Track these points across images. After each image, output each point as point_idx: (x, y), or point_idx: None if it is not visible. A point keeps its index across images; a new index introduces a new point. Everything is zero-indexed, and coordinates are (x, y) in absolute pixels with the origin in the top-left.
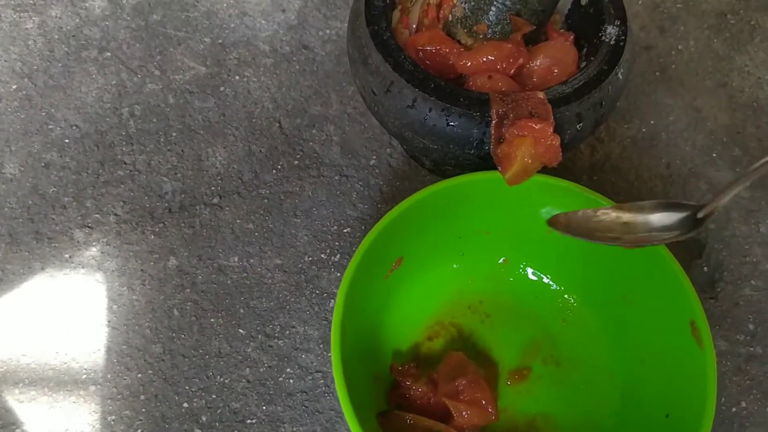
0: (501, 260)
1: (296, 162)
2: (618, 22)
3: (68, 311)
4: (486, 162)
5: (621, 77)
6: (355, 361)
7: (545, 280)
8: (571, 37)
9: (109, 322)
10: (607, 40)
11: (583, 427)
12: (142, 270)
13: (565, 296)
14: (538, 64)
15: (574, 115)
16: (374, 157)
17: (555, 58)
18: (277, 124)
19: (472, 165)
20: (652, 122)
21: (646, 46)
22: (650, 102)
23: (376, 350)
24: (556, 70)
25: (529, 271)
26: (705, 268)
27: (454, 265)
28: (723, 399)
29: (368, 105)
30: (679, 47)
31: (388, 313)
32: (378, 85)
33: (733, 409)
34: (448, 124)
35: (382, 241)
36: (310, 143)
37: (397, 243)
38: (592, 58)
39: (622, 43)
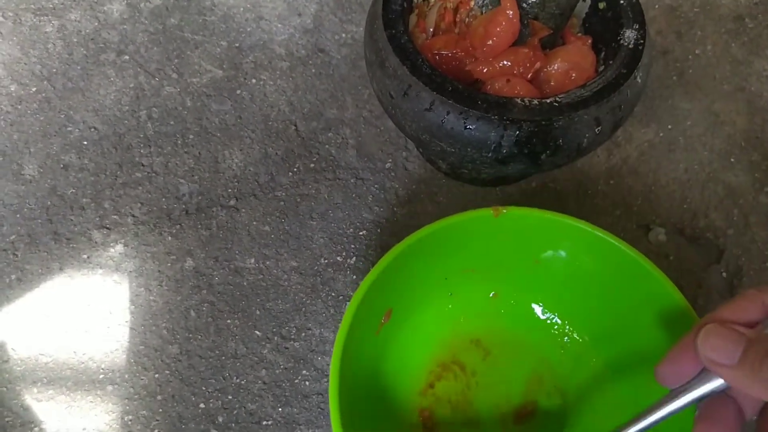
0: (491, 294)
1: (312, 165)
2: (636, 26)
3: (86, 311)
4: (504, 165)
5: (640, 81)
6: (357, 417)
7: (537, 310)
8: (589, 40)
9: (126, 322)
10: (626, 43)
11: None
12: (159, 271)
13: (560, 323)
14: (555, 68)
15: (593, 119)
16: (390, 160)
17: (573, 62)
18: (293, 127)
19: (489, 168)
20: (669, 127)
21: (663, 50)
22: (668, 106)
23: (379, 405)
24: (573, 75)
25: (522, 302)
26: (723, 274)
27: (449, 306)
28: None
29: (385, 108)
30: (697, 51)
31: (386, 367)
32: (395, 89)
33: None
34: (465, 127)
35: (369, 297)
36: (326, 146)
37: (385, 295)
38: (611, 62)
39: (640, 47)
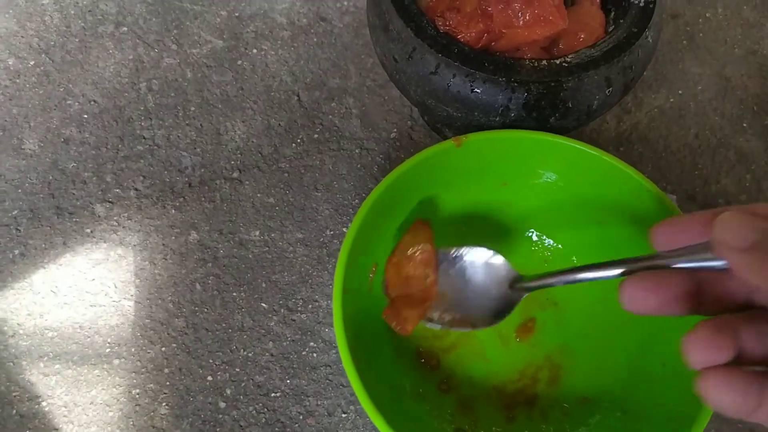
0: (466, 227)
1: (316, 135)
2: None
3: (91, 286)
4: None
5: (651, 40)
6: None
7: (514, 229)
8: (598, 0)
9: (131, 296)
10: (636, 2)
11: (599, 346)
12: (163, 244)
13: (538, 237)
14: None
15: (603, 79)
16: (395, 129)
17: (582, 23)
18: (296, 98)
19: None
20: (680, 92)
21: (673, 14)
22: (678, 71)
23: (385, 352)
24: (582, 36)
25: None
26: None
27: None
28: None
29: (389, 73)
30: (707, 15)
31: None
32: (400, 52)
33: None
34: (472, 91)
35: (354, 254)
36: (330, 116)
37: (367, 252)
38: (621, 21)
39: (651, 5)
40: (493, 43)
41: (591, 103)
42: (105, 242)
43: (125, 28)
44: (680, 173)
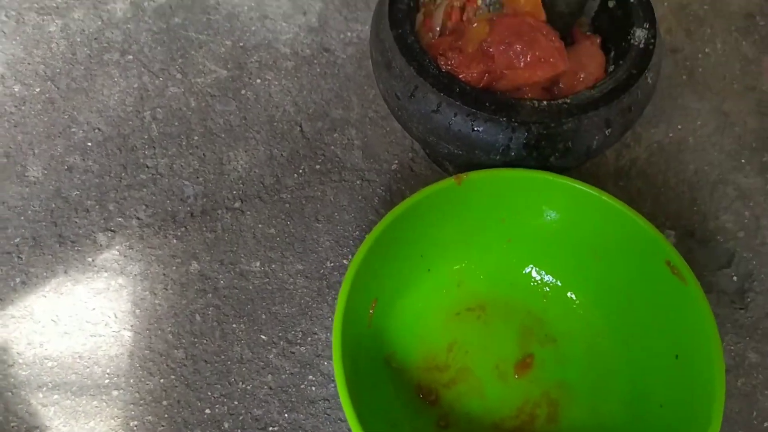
0: (465, 263)
1: (318, 166)
2: (647, 25)
3: (91, 315)
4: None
5: (650, 81)
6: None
7: (514, 266)
8: (598, 40)
9: (131, 326)
10: (636, 43)
11: (597, 382)
12: (164, 274)
13: (537, 275)
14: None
15: (603, 121)
16: (396, 161)
17: (582, 63)
18: (299, 128)
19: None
20: (679, 127)
21: (673, 49)
22: (677, 106)
23: (384, 389)
24: (582, 75)
25: (499, 263)
26: (734, 278)
27: (429, 282)
28: (755, 413)
29: (392, 109)
30: (707, 50)
31: (384, 355)
32: (402, 90)
33: (765, 424)
34: (473, 130)
35: (354, 292)
36: (332, 147)
37: (367, 287)
38: (621, 62)
39: (651, 47)
40: (494, 83)
41: (590, 144)
42: (106, 271)
43: (131, 57)
44: (679, 209)
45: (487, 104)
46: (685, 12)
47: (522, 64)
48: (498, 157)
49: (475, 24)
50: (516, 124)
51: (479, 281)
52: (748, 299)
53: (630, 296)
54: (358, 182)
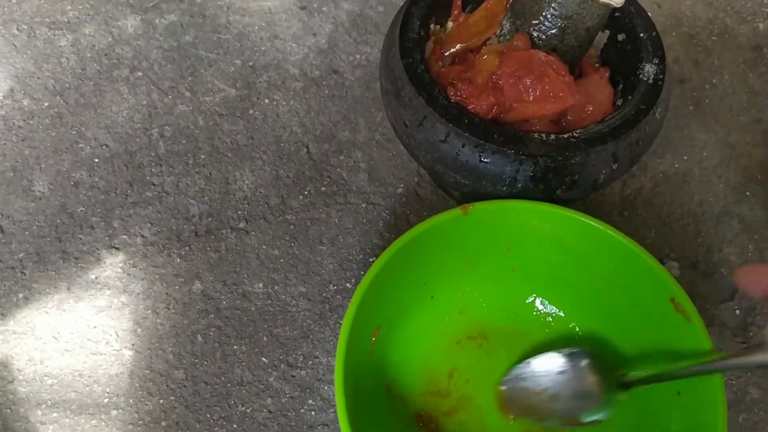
0: (470, 289)
1: (323, 188)
2: (656, 60)
3: (92, 333)
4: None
5: (658, 116)
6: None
7: (518, 295)
8: (607, 73)
9: (132, 345)
10: (645, 78)
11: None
12: (167, 293)
13: (540, 304)
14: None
15: (610, 155)
16: (402, 185)
17: (590, 96)
18: (305, 149)
19: None
20: (685, 157)
21: (680, 79)
22: (683, 137)
23: (386, 417)
24: (590, 108)
25: (502, 291)
26: (737, 311)
27: (432, 309)
28: None
29: (400, 137)
30: (714, 81)
31: (385, 382)
32: (411, 118)
33: None
34: (480, 161)
35: (358, 319)
36: (338, 169)
37: (371, 314)
38: (630, 97)
39: (660, 82)
40: (503, 115)
41: (597, 177)
42: (109, 289)
43: (140, 73)
44: (683, 240)
45: (495, 136)
46: (694, 42)
47: (531, 97)
48: (504, 189)
49: (485, 56)
50: (523, 156)
51: (482, 309)
52: (751, 333)
53: (633, 331)
54: (363, 205)
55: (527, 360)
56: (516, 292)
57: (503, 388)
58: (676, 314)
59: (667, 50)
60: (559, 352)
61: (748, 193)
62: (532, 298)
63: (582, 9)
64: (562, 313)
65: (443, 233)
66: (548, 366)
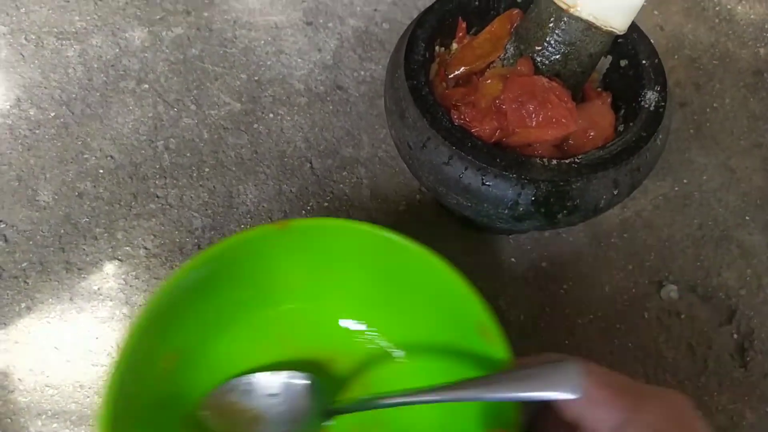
0: (289, 309)
1: (326, 204)
2: (658, 88)
3: (94, 344)
4: (519, 222)
5: (659, 143)
6: None
7: (333, 318)
8: (609, 98)
9: None
10: (647, 105)
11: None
12: None
13: (362, 327)
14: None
15: (611, 181)
16: (404, 202)
17: (592, 121)
18: (309, 165)
19: (504, 223)
20: (685, 181)
21: (681, 102)
22: (684, 160)
23: None
24: (592, 133)
25: (320, 313)
26: (734, 335)
27: (247, 333)
28: None
29: (403, 157)
30: (714, 105)
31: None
32: (414, 140)
33: None
34: (483, 184)
35: (143, 341)
36: (341, 185)
37: (162, 339)
38: (631, 124)
39: (661, 110)
40: (505, 139)
41: (598, 202)
42: (111, 300)
43: (146, 86)
44: (682, 263)
45: (498, 160)
46: (695, 65)
47: (534, 123)
48: (506, 211)
49: (489, 80)
50: (526, 181)
51: (299, 330)
52: (748, 358)
53: (443, 351)
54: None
55: (248, 376)
56: (332, 313)
57: (211, 398)
58: (482, 338)
59: (668, 72)
60: (278, 374)
61: (747, 218)
62: (347, 322)
63: (585, 36)
64: (377, 334)
65: (257, 248)
66: (264, 386)
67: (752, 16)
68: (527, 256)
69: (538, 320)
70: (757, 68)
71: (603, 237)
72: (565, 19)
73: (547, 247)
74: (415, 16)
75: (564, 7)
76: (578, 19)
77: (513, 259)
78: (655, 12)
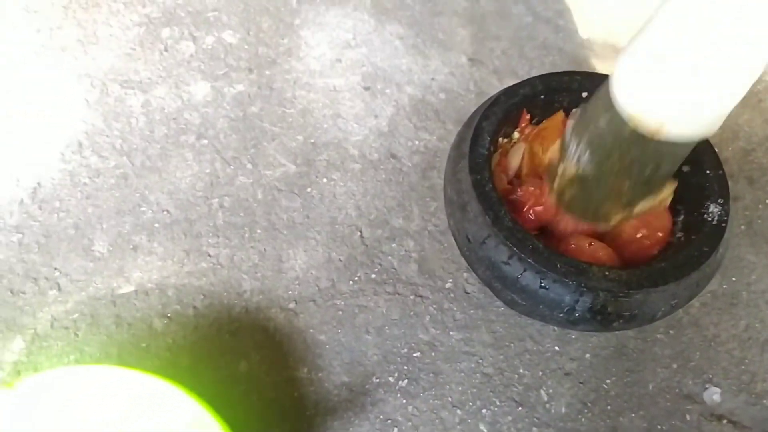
0: None
1: (373, 275)
2: (721, 201)
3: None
4: (573, 325)
5: (719, 257)
6: None
7: None
8: (668, 201)
9: None
10: (710, 219)
11: None
12: (213, 369)
13: None
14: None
15: (670, 294)
16: (450, 280)
17: (646, 221)
18: (359, 233)
19: (557, 324)
20: (733, 279)
21: (734, 197)
22: (733, 257)
23: None
24: (644, 232)
25: None
26: None
27: None
28: None
29: (460, 249)
30: (767, 201)
31: None
32: (474, 234)
33: None
34: (541, 287)
35: None
36: (389, 257)
37: None
38: (693, 237)
39: (724, 224)
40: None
41: (655, 313)
42: (158, 359)
43: (206, 141)
44: (727, 365)
45: (558, 266)
46: (749, 158)
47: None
48: (562, 315)
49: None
50: (585, 288)
51: None
52: None
53: None
54: (411, 297)
55: None
56: None
57: None
58: None
59: (723, 163)
60: None
61: None
62: None
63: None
64: None
65: None
66: None
67: None
68: (571, 345)
69: (578, 415)
70: None
71: (649, 331)
72: (651, 145)
73: (592, 338)
74: (471, 87)
75: (648, 135)
76: (666, 144)
77: (557, 348)
78: None
